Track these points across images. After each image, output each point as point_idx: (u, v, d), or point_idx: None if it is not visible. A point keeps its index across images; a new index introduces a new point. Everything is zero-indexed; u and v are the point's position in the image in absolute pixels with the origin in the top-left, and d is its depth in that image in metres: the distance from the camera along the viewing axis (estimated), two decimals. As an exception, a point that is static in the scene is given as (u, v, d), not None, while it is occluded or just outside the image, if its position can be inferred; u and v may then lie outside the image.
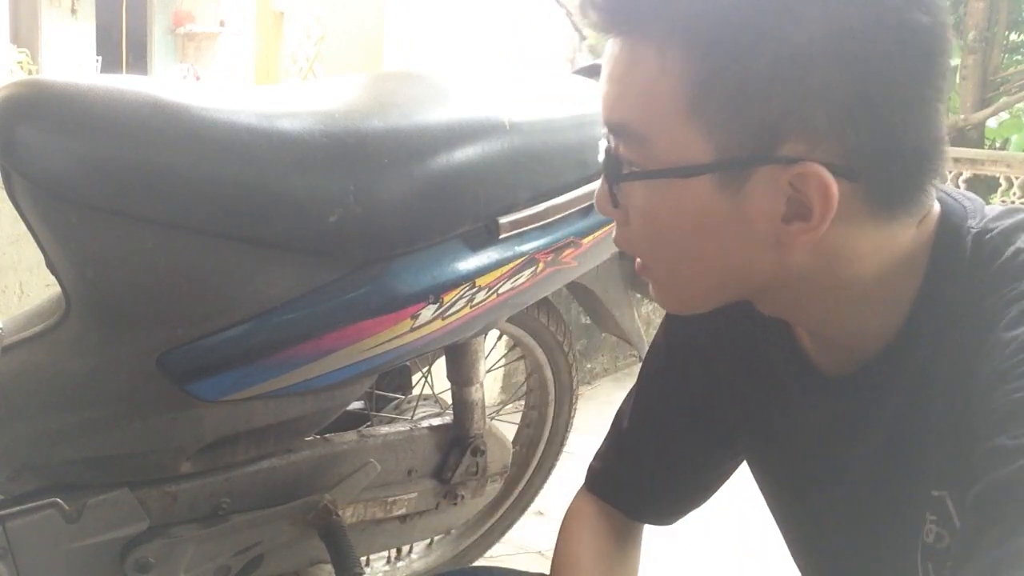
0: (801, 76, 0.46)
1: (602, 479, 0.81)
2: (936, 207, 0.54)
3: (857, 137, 0.48)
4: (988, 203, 0.56)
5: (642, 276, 0.60)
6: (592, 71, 1.25)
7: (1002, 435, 0.44)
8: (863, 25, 0.46)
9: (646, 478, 0.79)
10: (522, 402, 1.51)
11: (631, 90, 0.51)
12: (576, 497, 0.83)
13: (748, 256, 0.53)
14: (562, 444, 1.50)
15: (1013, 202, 6.34)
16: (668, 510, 0.81)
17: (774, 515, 0.74)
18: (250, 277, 0.82)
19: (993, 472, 0.43)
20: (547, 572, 0.80)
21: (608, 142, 0.55)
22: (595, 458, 0.83)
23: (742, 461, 0.78)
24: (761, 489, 0.74)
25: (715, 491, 0.82)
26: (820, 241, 0.51)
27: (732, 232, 0.52)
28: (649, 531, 0.82)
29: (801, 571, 0.72)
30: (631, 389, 0.81)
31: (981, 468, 0.44)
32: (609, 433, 0.82)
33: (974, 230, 0.53)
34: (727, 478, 0.81)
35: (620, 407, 0.82)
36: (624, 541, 0.79)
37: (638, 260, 0.59)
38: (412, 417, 1.21)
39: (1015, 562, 0.39)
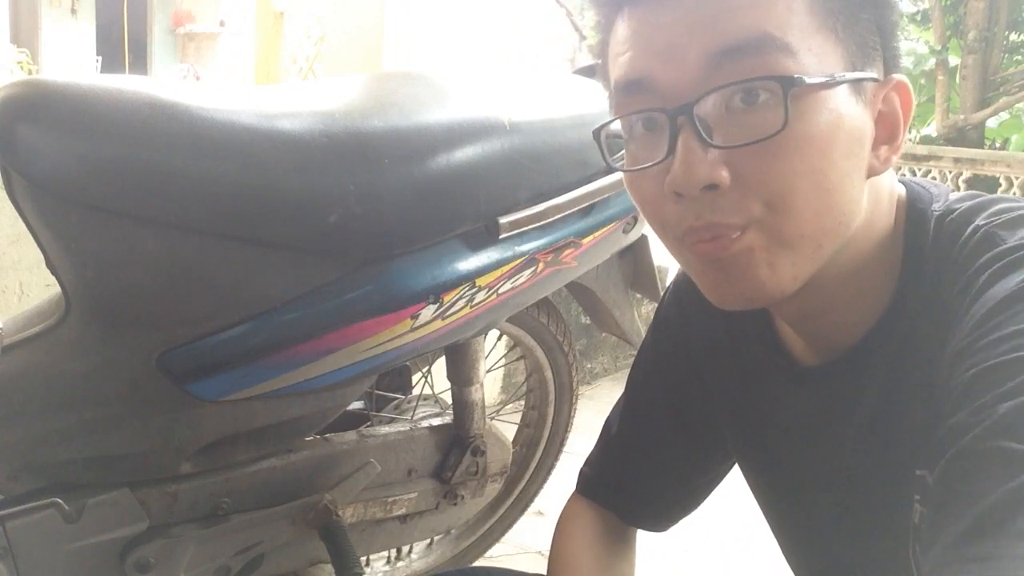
0: None
1: (593, 483, 0.81)
2: (901, 192, 0.56)
3: (895, 55, 0.51)
4: None
5: (729, 253, 0.50)
6: (592, 71, 1.25)
7: (960, 411, 0.44)
8: None
9: (636, 483, 0.78)
10: (522, 402, 1.51)
11: (765, 5, 0.48)
12: (569, 501, 0.83)
13: (860, 185, 0.51)
14: (562, 444, 1.50)
15: (1013, 202, 6.33)
16: (660, 515, 0.81)
17: (764, 513, 0.74)
18: (250, 277, 0.82)
19: (951, 448, 0.43)
20: (546, 573, 0.80)
21: (745, 71, 0.48)
22: (586, 463, 0.82)
23: (732, 465, 0.78)
24: (751, 487, 0.74)
25: (706, 496, 0.82)
26: (872, 187, 0.52)
27: (856, 152, 0.50)
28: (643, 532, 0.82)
29: (792, 569, 0.72)
30: (622, 394, 0.81)
31: (942, 446, 0.44)
32: (600, 437, 0.82)
33: (936, 213, 0.54)
34: (718, 483, 0.81)
35: (611, 412, 0.82)
36: (618, 543, 0.79)
37: (735, 233, 0.50)
38: (412, 417, 1.21)
39: (977, 535, 0.38)
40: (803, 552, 0.70)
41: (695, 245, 0.52)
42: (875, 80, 0.50)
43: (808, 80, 0.47)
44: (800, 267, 0.51)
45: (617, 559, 0.78)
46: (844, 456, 0.59)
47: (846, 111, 0.49)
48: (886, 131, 0.51)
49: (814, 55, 0.48)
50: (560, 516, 0.81)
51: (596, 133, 0.59)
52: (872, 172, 0.51)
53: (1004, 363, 0.43)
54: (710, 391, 0.72)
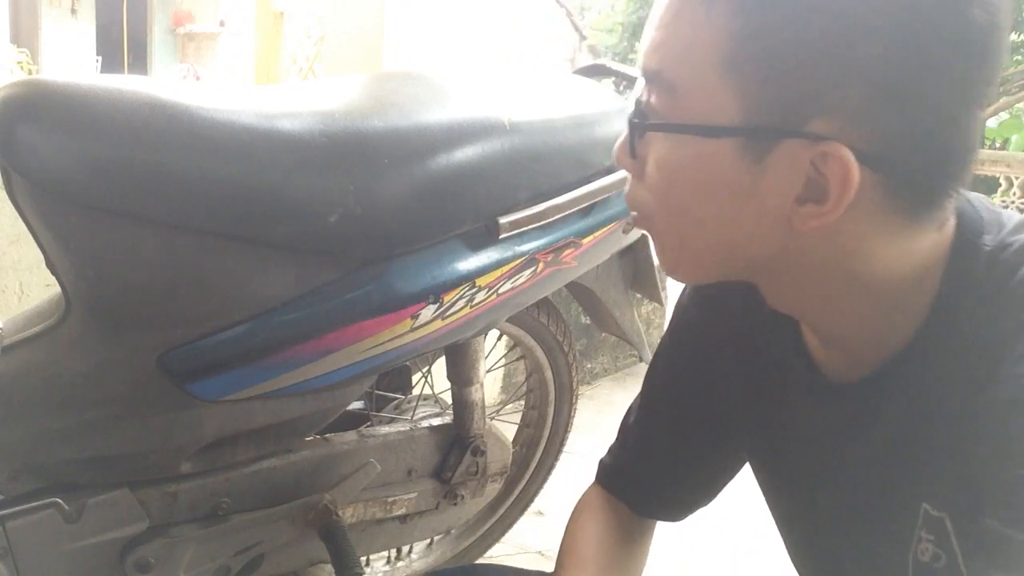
0: (849, 48, 0.45)
1: (611, 473, 0.82)
2: (952, 219, 0.53)
3: (890, 125, 0.46)
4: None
5: (641, 228, 0.59)
6: (592, 71, 1.25)
7: (1003, 513, 0.43)
8: (924, 7, 0.44)
9: (653, 474, 0.79)
10: (522, 402, 1.51)
11: (673, 38, 0.50)
12: (587, 491, 0.83)
13: (754, 231, 0.51)
14: (562, 444, 1.50)
15: (1013, 202, 6.34)
16: (675, 506, 0.81)
17: (773, 513, 0.74)
18: (250, 277, 0.82)
19: (990, 555, 0.43)
20: (547, 571, 0.80)
21: (640, 91, 0.54)
22: (607, 452, 0.83)
23: (746, 460, 0.79)
24: (760, 486, 0.74)
25: (721, 488, 0.82)
26: (833, 231, 0.49)
27: (743, 202, 0.50)
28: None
29: (798, 571, 0.72)
30: (642, 386, 0.82)
31: (994, 503, 0.44)
32: (620, 428, 0.83)
33: (989, 247, 0.51)
34: (733, 475, 0.81)
35: (632, 403, 0.82)
36: (631, 535, 0.80)
37: (634, 214, 0.58)
38: (412, 417, 1.21)
39: None
40: (807, 555, 0.70)
41: None
42: (771, 140, 0.48)
43: (660, 125, 0.52)
44: (695, 270, 0.58)
45: (627, 553, 0.79)
46: (854, 474, 0.59)
47: (713, 157, 0.50)
48: (812, 191, 0.48)
49: (702, 99, 0.49)
50: (575, 507, 0.82)
51: None
52: (799, 226, 0.49)
53: None
54: (729, 387, 0.71)
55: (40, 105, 0.70)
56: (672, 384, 0.78)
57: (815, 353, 0.61)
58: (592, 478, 0.84)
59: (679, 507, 0.81)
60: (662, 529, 0.83)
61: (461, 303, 0.95)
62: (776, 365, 0.65)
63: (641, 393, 0.81)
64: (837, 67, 0.45)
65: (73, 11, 9.48)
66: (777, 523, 0.74)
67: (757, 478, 0.74)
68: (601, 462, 0.83)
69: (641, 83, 0.54)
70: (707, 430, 0.76)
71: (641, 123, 0.53)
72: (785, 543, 0.73)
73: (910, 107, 0.46)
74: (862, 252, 0.51)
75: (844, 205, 0.47)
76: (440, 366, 1.24)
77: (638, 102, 0.54)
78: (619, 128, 1.05)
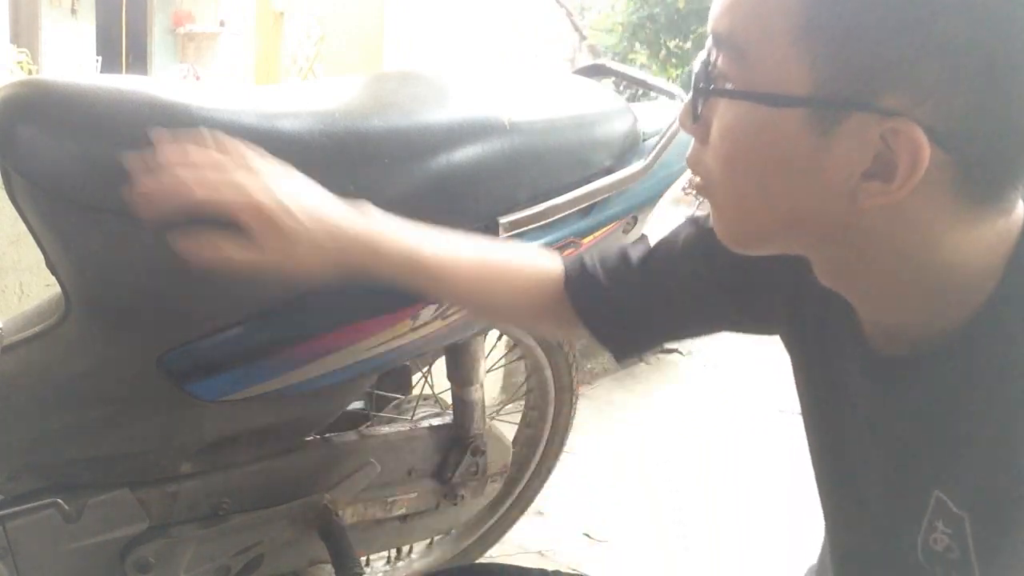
0: (927, 22, 0.43)
1: (579, 275, 0.82)
2: (1020, 208, 0.51)
3: (965, 105, 0.44)
4: None
5: (702, 195, 0.58)
6: (592, 71, 1.25)
7: None
8: None
9: (624, 301, 0.80)
10: (522, 402, 1.51)
11: (746, 1, 0.49)
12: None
13: (818, 205, 0.50)
14: (562, 444, 1.50)
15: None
16: (627, 334, 0.83)
17: (808, 441, 0.72)
18: (250, 277, 0.82)
19: None
20: (548, 570, 0.80)
21: (708, 53, 0.52)
22: (579, 260, 0.84)
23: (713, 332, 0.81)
24: (805, 425, 0.72)
25: (677, 337, 0.87)
26: (897, 210, 0.48)
27: (808, 176, 0.49)
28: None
29: (824, 512, 0.72)
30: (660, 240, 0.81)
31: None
32: (606, 258, 0.82)
33: None
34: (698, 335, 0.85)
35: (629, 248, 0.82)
36: (543, 305, 0.83)
37: (696, 179, 0.57)
38: (412, 417, 1.21)
39: None
40: (836, 497, 0.70)
41: None
42: (843, 112, 0.47)
43: (727, 91, 0.50)
44: (752, 241, 0.57)
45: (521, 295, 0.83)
46: (882, 447, 0.60)
47: (780, 127, 0.48)
48: (880, 167, 0.47)
49: (772, 66, 0.48)
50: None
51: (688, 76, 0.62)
52: (861, 202, 0.48)
53: None
54: (773, 311, 0.70)
55: (40, 105, 0.70)
56: (695, 249, 0.76)
57: (865, 325, 0.60)
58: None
59: (631, 338, 0.83)
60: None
61: (461, 303, 0.95)
62: (830, 325, 0.63)
63: (656, 250, 0.80)
64: (914, 40, 0.44)
65: (73, 11, 9.47)
66: (811, 450, 0.72)
67: (803, 412, 0.71)
68: (571, 261, 0.84)
69: (708, 44, 0.52)
70: (706, 301, 0.76)
71: (707, 88, 0.51)
72: (816, 477, 0.72)
73: (987, 88, 0.44)
74: (924, 236, 0.49)
75: (912, 184, 0.46)
76: (440, 366, 1.24)
77: (705, 64, 0.52)
78: (619, 128, 1.06)
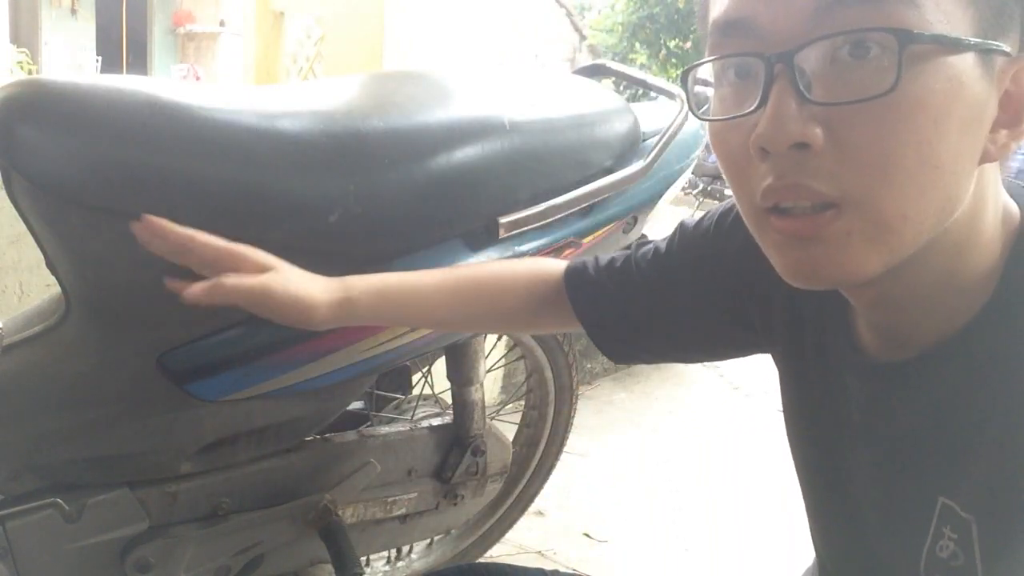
0: None
1: (580, 275, 0.83)
2: (1016, 209, 0.51)
3: None
4: None
5: (817, 232, 0.46)
6: (592, 71, 1.25)
7: None
8: None
9: (624, 308, 0.81)
10: (522, 402, 1.51)
11: None
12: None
13: (971, 167, 0.46)
14: (562, 444, 1.50)
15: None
16: (624, 342, 0.85)
17: (795, 462, 0.70)
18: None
19: None
20: (547, 570, 0.80)
21: (865, 18, 0.43)
22: (583, 263, 0.85)
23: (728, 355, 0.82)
24: (787, 429, 0.70)
25: (672, 358, 0.89)
26: (980, 176, 0.46)
27: (972, 129, 0.44)
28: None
29: (815, 542, 0.71)
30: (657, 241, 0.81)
31: None
32: (609, 261, 0.83)
33: None
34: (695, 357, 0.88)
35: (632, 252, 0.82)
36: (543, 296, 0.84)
37: (831, 210, 0.45)
38: (412, 417, 1.21)
39: None
40: (825, 510, 0.69)
41: (777, 219, 0.47)
42: (1007, 54, 0.44)
43: (929, 37, 0.42)
44: (896, 252, 0.46)
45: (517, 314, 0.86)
46: (879, 457, 0.58)
47: (968, 81, 0.43)
48: (1009, 114, 0.45)
49: (941, 13, 0.42)
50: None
51: (684, 75, 0.55)
52: (987, 158, 0.45)
53: None
54: (763, 318, 0.69)
55: (40, 105, 0.70)
56: (695, 266, 0.75)
57: (861, 331, 0.59)
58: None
59: (629, 346, 0.85)
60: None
61: (461, 303, 0.95)
62: (823, 331, 0.62)
63: (661, 255, 0.79)
64: None
65: (73, 11, 9.47)
66: (800, 481, 0.70)
67: (785, 415, 0.70)
68: (574, 263, 0.85)
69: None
70: (708, 308, 0.75)
71: (916, 41, 0.42)
72: (804, 493, 0.70)
73: None
74: (982, 207, 0.48)
75: None
76: (440, 366, 1.24)
77: (860, 33, 0.43)
78: (619, 128, 1.06)
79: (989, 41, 0.43)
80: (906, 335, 0.54)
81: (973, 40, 0.43)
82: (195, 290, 0.73)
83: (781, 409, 0.71)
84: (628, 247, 0.86)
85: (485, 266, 0.89)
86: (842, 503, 0.64)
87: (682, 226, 0.77)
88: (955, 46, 0.42)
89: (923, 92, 0.43)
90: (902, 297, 0.52)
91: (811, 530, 0.71)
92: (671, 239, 0.78)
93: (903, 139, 0.43)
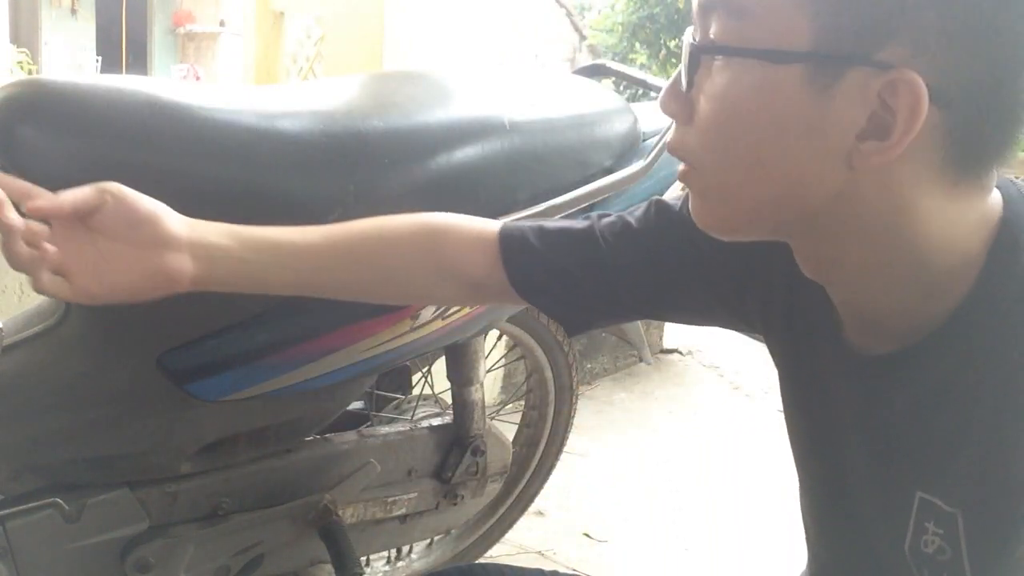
0: None
1: (516, 238, 0.75)
2: (999, 202, 0.51)
3: (960, 62, 0.44)
4: None
5: (684, 182, 0.56)
6: (592, 71, 1.25)
7: None
8: None
9: (564, 265, 0.74)
10: (522, 402, 1.51)
11: None
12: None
13: (814, 171, 0.49)
14: (562, 444, 1.50)
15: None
16: (569, 307, 0.78)
17: (792, 449, 0.70)
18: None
19: None
20: (547, 571, 0.80)
21: (694, 27, 0.52)
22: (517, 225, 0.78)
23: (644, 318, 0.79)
24: (785, 411, 0.70)
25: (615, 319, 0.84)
26: (888, 177, 0.48)
27: (805, 138, 0.48)
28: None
29: (807, 525, 0.71)
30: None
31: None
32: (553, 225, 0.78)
33: None
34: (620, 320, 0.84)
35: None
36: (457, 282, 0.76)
37: (682, 166, 0.55)
38: (412, 417, 1.21)
39: None
40: (819, 496, 0.69)
41: None
42: (859, 66, 0.46)
43: (716, 48, 0.49)
44: (738, 219, 0.55)
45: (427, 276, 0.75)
46: (863, 449, 0.59)
47: (786, 91, 0.47)
48: (874, 127, 0.46)
49: (768, 28, 0.47)
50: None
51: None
52: (861, 165, 0.48)
53: None
54: (762, 305, 0.68)
55: (40, 105, 0.70)
56: (664, 236, 0.72)
57: (844, 322, 0.59)
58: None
59: (573, 311, 0.79)
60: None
61: (461, 303, 0.95)
62: (809, 322, 0.63)
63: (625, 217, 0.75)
64: None
65: (73, 11, 9.47)
66: (797, 473, 0.70)
67: (783, 400, 0.70)
68: (508, 230, 0.77)
69: (695, 15, 0.52)
70: (662, 286, 0.73)
71: (707, 47, 0.50)
72: (800, 493, 0.70)
73: (982, 44, 0.44)
74: (907, 207, 0.49)
75: (909, 139, 0.45)
76: (440, 366, 1.24)
77: (694, 31, 0.52)
78: (619, 128, 1.06)
79: (820, 54, 0.46)
80: (887, 327, 0.55)
81: (792, 52, 0.46)
82: (37, 204, 0.63)
83: (781, 409, 0.71)
84: (577, 218, 0.78)
85: (376, 224, 0.76)
86: (837, 496, 0.64)
87: (659, 204, 0.73)
88: (773, 57, 0.47)
89: (724, 96, 0.50)
90: (864, 287, 0.54)
91: (805, 524, 0.71)
92: (646, 214, 0.74)
93: (717, 133, 0.51)
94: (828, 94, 0.47)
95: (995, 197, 0.51)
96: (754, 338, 0.74)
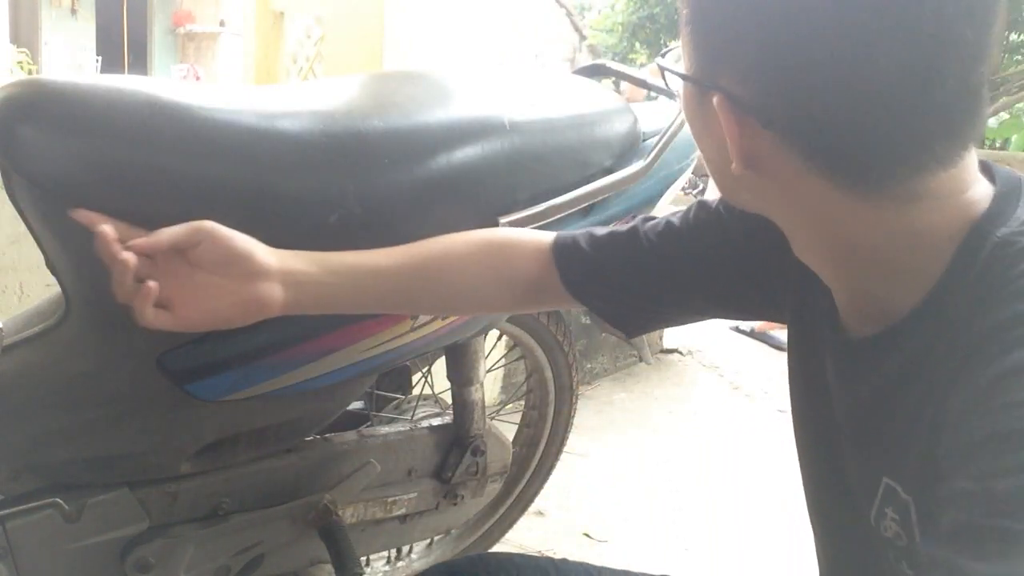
0: (749, 9, 0.50)
1: (569, 247, 0.82)
2: (983, 202, 0.52)
3: (784, 86, 0.50)
4: None
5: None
6: (592, 71, 1.25)
7: (964, 474, 0.43)
8: None
9: (617, 271, 0.81)
10: (522, 402, 1.51)
11: None
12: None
13: (736, 176, 0.56)
14: (562, 444, 1.50)
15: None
16: (623, 310, 0.83)
17: (796, 438, 0.73)
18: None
19: (953, 516, 0.42)
20: (553, 558, 0.80)
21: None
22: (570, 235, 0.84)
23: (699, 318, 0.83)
24: (791, 396, 0.73)
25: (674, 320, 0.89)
26: (792, 192, 0.54)
27: (710, 139, 0.58)
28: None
29: (811, 513, 0.72)
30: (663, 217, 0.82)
31: (943, 508, 0.44)
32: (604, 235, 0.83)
33: (999, 235, 0.50)
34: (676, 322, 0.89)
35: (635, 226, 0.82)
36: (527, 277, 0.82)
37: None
38: (412, 417, 1.21)
39: None
40: (814, 468, 0.71)
41: None
42: (708, 89, 0.54)
43: (664, 67, 0.60)
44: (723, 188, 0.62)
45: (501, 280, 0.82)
46: (844, 433, 0.61)
47: (691, 104, 0.58)
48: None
49: (684, 52, 0.57)
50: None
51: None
52: (735, 172, 0.55)
53: (1016, 432, 0.42)
54: (782, 293, 0.72)
55: (40, 105, 0.70)
56: (708, 230, 0.77)
57: (840, 308, 0.62)
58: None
59: (628, 313, 0.84)
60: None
61: (461, 303, 0.95)
62: (815, 306, 0.66)
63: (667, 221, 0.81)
64: (736, 27, 0.51)
65: (73, 11, 9.47)
66: (799, 457, 0.73)
67: (792, 406, 0.73)
68: (561, 240, 0.83)
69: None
70: (710, 284, 0.77)
71: (680, 75, 0.60)
72: (803, 480, 0.72)
73: (802, 74, 0.49)
74: (829, 218, 0.54)
75: (738, 150, 0.53)
76: (440, 366, 1.24)
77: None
78: (619, 128, 1.06)
79: (692, 77, 0.57)
80: (869, 314, 0.58)
81: (685, 75, 0.57)
82: (139, 243, 0.69)
83: (782, 409, 0.72)
84: (619, 224, 0.84)
85: (442, 243, 0.84)
86: (838, 494, 0.65)
87: (702, 203, 0.79)
88: (679, 76, 0.58)
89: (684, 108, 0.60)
90: (837, 281, 0.59)
91: (811, 522, 0.72)
92: (686, 215, 0.79)
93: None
94: (705, 108, 0.55)
95: (982, 192, 0.52)
96: (754, 338, 0.75)
